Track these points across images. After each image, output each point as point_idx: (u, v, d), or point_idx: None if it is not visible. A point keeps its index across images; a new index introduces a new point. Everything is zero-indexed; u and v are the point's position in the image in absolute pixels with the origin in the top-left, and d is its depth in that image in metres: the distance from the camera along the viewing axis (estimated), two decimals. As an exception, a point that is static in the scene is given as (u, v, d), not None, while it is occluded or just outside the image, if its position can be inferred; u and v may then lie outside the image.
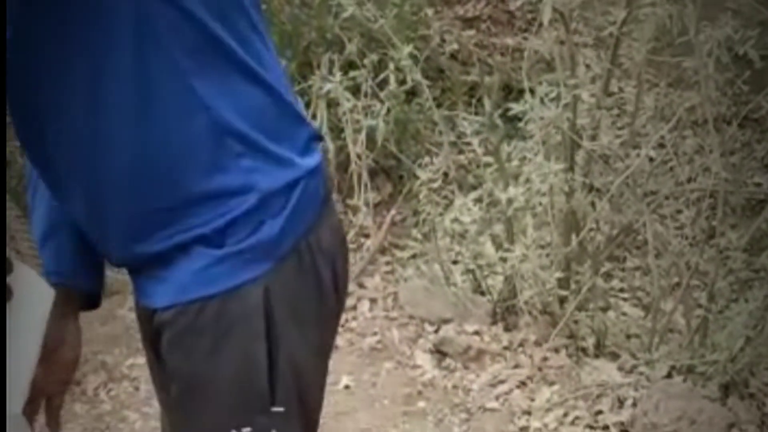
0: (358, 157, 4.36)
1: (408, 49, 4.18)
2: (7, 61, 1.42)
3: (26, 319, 1.44)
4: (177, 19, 1.39)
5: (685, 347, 3.59)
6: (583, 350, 3.69)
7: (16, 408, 1.41)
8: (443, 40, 5.00)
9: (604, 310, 3.89)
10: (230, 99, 1.45)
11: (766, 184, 4.65)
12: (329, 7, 4.57)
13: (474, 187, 4.21)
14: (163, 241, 1.48)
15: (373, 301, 4.04)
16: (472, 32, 5.24)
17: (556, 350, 3.68)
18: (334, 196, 4.36)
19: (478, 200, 4.03)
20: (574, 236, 3.80)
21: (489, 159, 4.10)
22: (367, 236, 4.45)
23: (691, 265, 3.72)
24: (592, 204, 3.90)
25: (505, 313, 3.89)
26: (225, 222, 1.47)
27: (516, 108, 3.92)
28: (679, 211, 4.18)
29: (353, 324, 3.91)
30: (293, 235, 1.51)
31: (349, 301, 4.00)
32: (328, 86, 4.33)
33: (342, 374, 3.65)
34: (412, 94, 4.56)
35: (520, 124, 3.99)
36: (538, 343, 3.71)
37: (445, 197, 4.20)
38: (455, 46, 5.05)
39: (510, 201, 3.81)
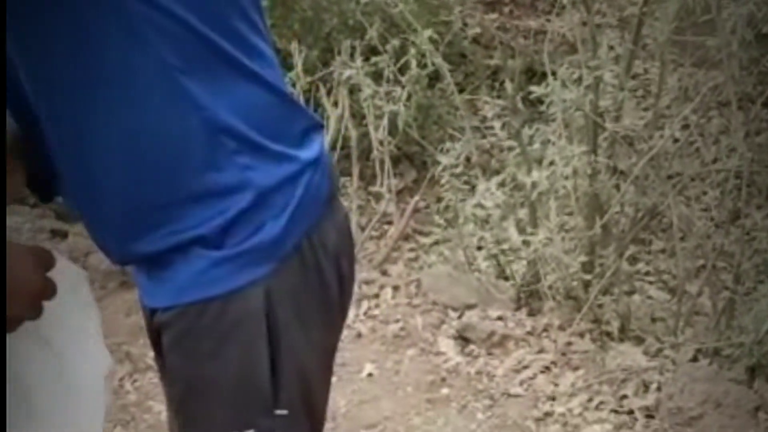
0: (381, 143, 4.35)
1: (428, 33, 4.15)
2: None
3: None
4: (162, 20, 1.37)
5: (711, 330, 3.56)
6: (608, 334, 3.66)
7: None
8: (465, 24, 4.97)
9: (629, 293, 3.86)
10: (224, 97, 1.42)
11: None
12: (350, -8, 4.57)
13: (497, 172, 4.19)
14: (160, 241, 1.46)
15: (395, 288, 4.01)
16: (494, 15, 5.22)
17: (581, 335, 3.65)
18: (357, 183, 4.38)
19: (501, 184, 4.00)
20: (598, 219, 3.77)
21: (511, 143, 4.08)
22: (390, 223, 4.43)
23: (717, 246, 3.69)
24: (616, 186, 3.88)
25: (528, 298, 3.86)
26: (223, 222, 1.44)
27: (538, 91, 3.89)
28: (705, 193, 4.14)
29: (376, 311, 3.90)
30: (296, 234, 1.48)
31: (372, 289, 3.99)
32: (348, 72, 4.31)
33: (365, 362, 3.64)
34: (435, 79, 4.54)
35: (543, 107, 3.96)
36: (562, 328, 3.68)
37: (468, 182, 4.17)
38: (477, 30, 5.02)
39: (533, 185, 3.79)
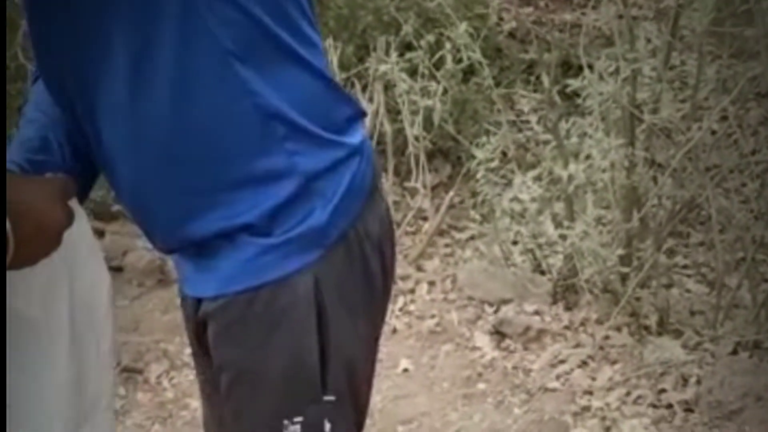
0: (416, 138, 4.34)
1: (464, 26, 4.14)
2: (41, 33, 1.45)
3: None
4: (224, 7, 1.39)
5: (751, 322, 3.52)
6: (646, 328, 3.62)
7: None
8: (501, 19, 4.95)
9: (667, 287, 3.82)
10: (276, 83, 1.44)
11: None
12: (385, -12, 4.56)
13: (533, 166, 4.16)
14: (208, 226, 1.47)
15: (431, 283, 4.01)
16: (529, 9, 5.19)
17: (618, 329, 3.62)
18: (392, 178, 4.36)
19: (537, 178, 3.98)
20: (635, 212, 3.74)
21: (548, 136, 4.05)
22: (425, 219, 4.41)
23: (757, 238, 3.64)
24: (654, 179, 3.84)
25: (565, 292, 3.84)
26: (271, 208, 1.46)
27: (574, 84, 3.87)
28: (744, 185, 4.09)
29: (411, 307, 3.89)
30: (342, 222, 1.49)
31: (408, 285, 3.98)
32: (384, 68, 4.30)
33: (401, 357, 3.63)
34: (470, 73, 4.52)
35: (579, 101, 3.94)
36: (599, 322, 3.66)
37: (504, 176, 4.15)
38: (513, 24, 5.00)
39: (570, 178, 3.77)
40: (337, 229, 1.49)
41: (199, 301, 1.54)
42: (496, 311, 3.79)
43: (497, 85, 4.53)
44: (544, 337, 3.63)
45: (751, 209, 3.93)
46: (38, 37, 1.47)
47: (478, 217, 4.16)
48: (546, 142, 4.02)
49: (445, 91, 4.39)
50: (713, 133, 3.99)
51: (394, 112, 4.45)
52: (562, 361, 3.51)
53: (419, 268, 4.11)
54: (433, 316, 3.83)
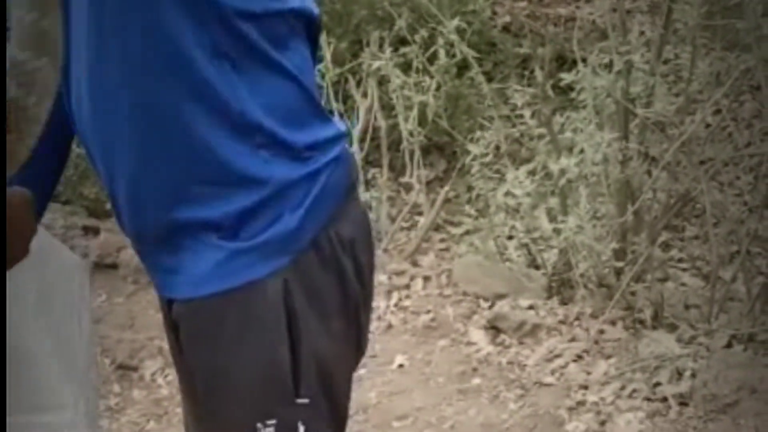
0: (410, 134, 4.34)
1: (455, 22, 4.13)
2: None
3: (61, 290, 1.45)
4: (228, 14, 1.42)
5: (746, 315, 3.52)
6: (641, 322, 3.62)
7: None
8: (494, 13, 4.95)
9: (662, 280, 3.83)
10: (260, 92, 1.46)
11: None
12: (379, -16, 4.55)
13: (527, 160, 4.16)
14: (174, 214, 1.48)
15: (426, 278, 4.00)
16: (523, 3, 5.18)
17: (613, 323, 3.62)
18: (387, 174, 4.36)
19: (531, 173, 3.98)
20: (629, 206, 3.74)
21: (542, 131, 4.05)
22: (420, 214, 4.41)
23: (751, 231, 3.65)
24: (648, 173, 3.84)
25: (560, 287, 3.84)
26: (238, 210, 1.47)
27: (568, 78, 3.87)
28: (738, 178, 4.09)
29: (407, 302, 3.89)
30: (313, 227, 1.50)
31: (403, 280, 3.98)
32: (377, 63, 4.30)
33: (396, 353, 3.63)
34: (464, 68, 4.52)
35: (573, 95, 3.94)
36: (594, 316, 3.66)
37: (498, 171, 4.15)
38: (507, 19, 5.00)
39: (563, 172, 3.76)
40: (308, 234, 1.50)
41: (170, 302, 1.55)
42: (491, 306, 3.79)
43: (491, 79, 4.53)
44: (539, 332, 3.63)
45: (745, 202, 3.94)
46: None
47: (473, 212, 4.16)
48: (540, 137, 4.01)
49: (439, 87, 4.39)
50: (707, 126, 4.00)
51: (388, 108, 4.45)
52: (557, 356, 3.51)
53: (414, 263, 4.11)
54: (428, 312, 3.83)
